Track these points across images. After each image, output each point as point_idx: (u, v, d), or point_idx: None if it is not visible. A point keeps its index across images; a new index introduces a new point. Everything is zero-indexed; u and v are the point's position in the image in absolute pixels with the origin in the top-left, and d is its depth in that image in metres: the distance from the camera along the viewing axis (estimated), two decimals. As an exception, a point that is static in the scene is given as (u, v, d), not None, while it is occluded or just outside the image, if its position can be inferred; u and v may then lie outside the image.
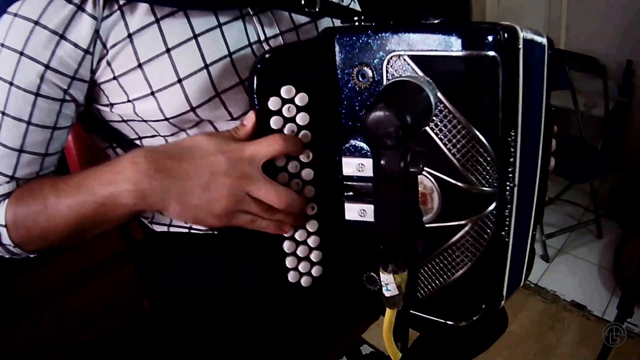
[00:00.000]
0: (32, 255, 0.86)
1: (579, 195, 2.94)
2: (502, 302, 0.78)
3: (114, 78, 0.81)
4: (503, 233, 0.72)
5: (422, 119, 0.60)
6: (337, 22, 0.94)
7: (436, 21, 0.72)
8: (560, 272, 2.54)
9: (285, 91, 0.72)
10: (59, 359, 1.82)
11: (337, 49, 0.73)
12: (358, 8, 1.01)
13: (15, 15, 0.77)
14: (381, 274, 0.66)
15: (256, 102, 0.71)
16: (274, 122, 0.72)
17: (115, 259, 1.80)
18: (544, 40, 0.75)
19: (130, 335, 1.85)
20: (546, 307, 2.35)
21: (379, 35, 0.70)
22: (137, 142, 0.90)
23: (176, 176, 0.71)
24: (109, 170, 0.74)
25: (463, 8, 3.01)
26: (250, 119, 0.73)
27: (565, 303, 2.36)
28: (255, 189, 0.71)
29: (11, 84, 0.77)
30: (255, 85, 0.71)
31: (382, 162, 0.58)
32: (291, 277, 0.80)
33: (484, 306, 0.75)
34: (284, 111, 0.72)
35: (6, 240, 0.81)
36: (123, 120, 0.87)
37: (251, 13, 0.85)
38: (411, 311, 0.78)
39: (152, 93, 0.81)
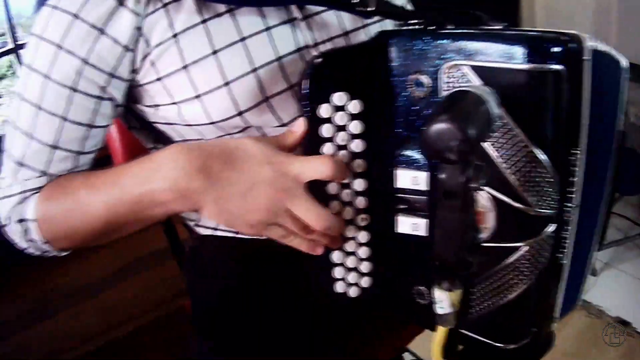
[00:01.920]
0: (62, 254, 0.84)
1: (627, 208, 2.86)
2: (554, 325, 0.75)
3: (158, 79, 0.80)
4: (560, 255, 0.68)
5: (484, 132, 0.57)
6: (387, 27, 0.90)
7: (498, 27, 0.69)
8: (606, 287, 2.47)
9: (338, 98, 0.69)
10: (96, 352, 1.84)
11: (392, 54, 0.70)
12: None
13: (55, 7, 0.76)
14: (435, 291, 0.64)
15: (307, 109, 0.69)
16: (325, 130, 0.69)
17: (157, 255, 1.81)
18: (623, 60, 0.71)
19: (167, 332, 1.86)
20: (591, 322, 2.28)
21: (438, 42, 0.66)
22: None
23: (216, 179, 0.66)
24: (147, 167, 0.70)
25: (512, 14, 2.97)
26: (299, 125, 0.70)
27: (610, 319, 2.30)
28: (295, 206, 0.67)
29: (47, 77, 0.77)
30: (306, 91, 0.68)
31: (442, 176, 0.56)
32: (338, 287, 0.78)
33: (535, 330, 0.72)
34: (336, 119, 0.69)
35: (36, 235, 0.79)
36: (167, 123, 0.86)
37: (299, 17, 0.82)
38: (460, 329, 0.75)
39: (198, 96, 0.79)
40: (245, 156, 0.67)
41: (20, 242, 0.81)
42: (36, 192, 0.80)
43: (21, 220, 0.79)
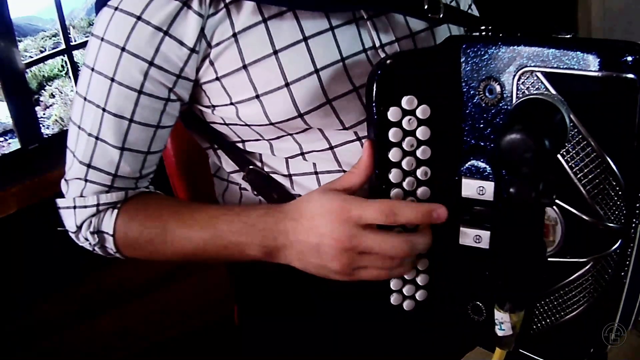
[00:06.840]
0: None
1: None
2: (610, 346, 0.72)
3: (217, 79, 0.79)
4: (622, 274, 0.66)
5: (560, 143, 0.56)
6: (455, 31, 0.88)
7: (568, 36, 0.67)
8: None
9: (407, 102, 0.67)
10: (140, 354, 1.84)
11: (462, 59, 0.68)
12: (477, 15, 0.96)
13: (116, 9, 0.76)
14: (496, 312, 0.63)
15: (374, 112, 0.67)
16: (393, 134, 0.68)
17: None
18: None
19: (214, 337, 1.85)
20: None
21: (511, 47, 0.65)
22: (240, 145, 0.88)
23: (294, 238, 0.73)
24: (243, 221, 0.76)
25: (569, 15, 2.95)
26: (366, 148, 0.69)
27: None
28: (366, 246, 0.69)
29: (112, 80, 0.77)
30: (374, 93, 0.67)
31: (512, 190, 0.54)
32: (394, 299, 0.76)
33: (592, 350, 0.70)
34: (404, 123, 0.68)
35: (110, 246, 0.83)
36: (225, 124, 0.85)
37: (365, 17, 0.80)
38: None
39: (257, 96, 0.78)
40: (311, 212, 0.72)
41: (90, 247, 0.86)
42: (112, 207, 0.83)
43: (97, 232, 0.83)
